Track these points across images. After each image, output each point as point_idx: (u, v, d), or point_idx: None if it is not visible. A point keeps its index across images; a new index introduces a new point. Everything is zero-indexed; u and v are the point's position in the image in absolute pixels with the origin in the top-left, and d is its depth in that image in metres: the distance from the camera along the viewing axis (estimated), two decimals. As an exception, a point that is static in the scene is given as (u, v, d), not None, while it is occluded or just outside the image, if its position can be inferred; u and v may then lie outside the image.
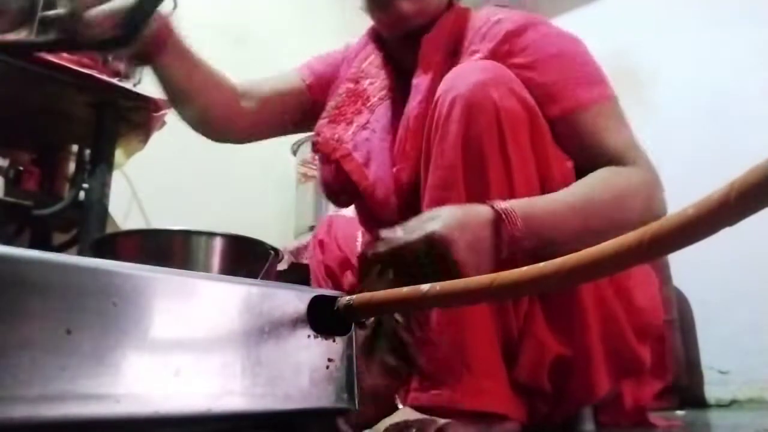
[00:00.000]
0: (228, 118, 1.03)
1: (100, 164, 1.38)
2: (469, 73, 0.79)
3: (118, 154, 1.50)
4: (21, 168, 1.42)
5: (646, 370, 0.87)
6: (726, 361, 2.16)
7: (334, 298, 0.53)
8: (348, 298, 0.52)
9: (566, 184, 0.79)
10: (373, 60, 1.05)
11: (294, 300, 0.50)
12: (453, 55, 0.92)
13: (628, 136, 0.85)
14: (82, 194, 1.38)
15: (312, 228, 2.03)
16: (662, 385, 0.96)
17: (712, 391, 2.17)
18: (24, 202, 1.31)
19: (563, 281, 0.40)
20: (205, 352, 0.43)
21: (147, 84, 1.53)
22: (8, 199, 1.29)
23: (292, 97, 1.08)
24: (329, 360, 0.50)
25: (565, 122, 0.83)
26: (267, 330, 0.47)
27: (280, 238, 2.05)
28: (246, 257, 0.89)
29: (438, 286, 0.46)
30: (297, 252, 1.73)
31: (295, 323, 0.49)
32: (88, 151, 1.48)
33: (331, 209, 1.86)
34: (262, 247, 0.90)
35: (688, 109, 2.39)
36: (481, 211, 0.68)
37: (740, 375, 2.11)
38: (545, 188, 0.78)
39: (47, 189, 1.47)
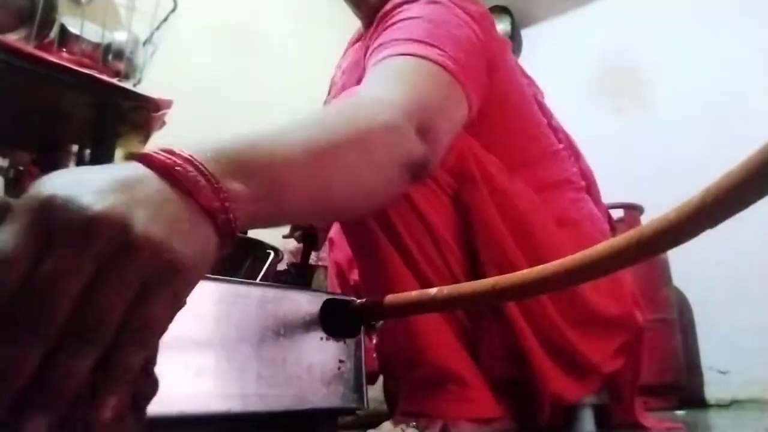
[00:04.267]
0: None
1: (100, 164, 1.38)
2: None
3: (118, 154, 1.50)
4: (21, 168, 1.42)
5: (599, 363, 0.86)
6: (726, 361, 2.16)
7: (345, 301, 0.54)
8: (359, 301, 0.53)
9: None
10: (344, 64, 1.07)
11: (307, 303, 0.51)
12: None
13: (397, 71, 0.69)
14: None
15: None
16: (635, 379, 0.95)
17: (712, 391, 2.18)
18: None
19: (563, 282, 0.40)
20: (224, 353, 0.44)
21: (147, 84, 1.53)
22: (8, 199, 1.28)
23: None
24: (340, 361, 0.52)
25: None
26: (282, 332, 0.48)
27: (280, 238, 2.04)
28: (246, 257, 0.89)
29: (446, 289, 0.47)
30: (297, 252, 1.73)
31: (308, 326, 0.51)
32: (88, 151, 1.48)
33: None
34: (261, 247, 0.90)
35: (688, 108, 2.39)
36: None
37: (740, 375, 2.12)
38: None
39: (47, 189, 1.47)
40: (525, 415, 0.83)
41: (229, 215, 0.35)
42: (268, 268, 0.89)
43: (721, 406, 2.12)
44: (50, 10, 1.36)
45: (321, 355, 0.50)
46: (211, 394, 0.42)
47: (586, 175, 0.99)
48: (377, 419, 0.77)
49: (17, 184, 1.40)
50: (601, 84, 2.59)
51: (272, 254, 0.90)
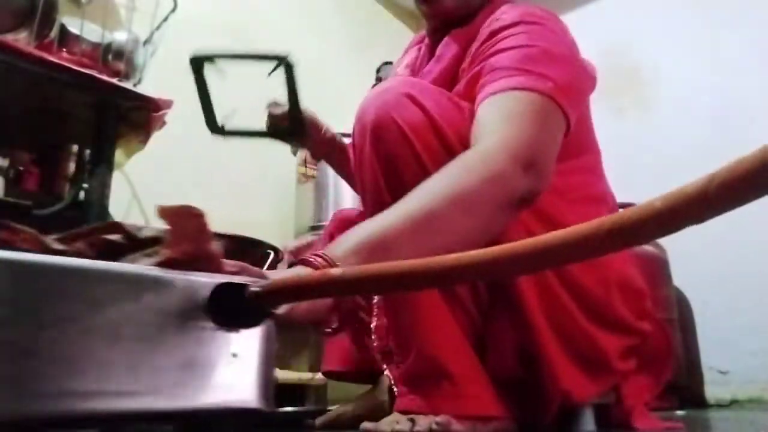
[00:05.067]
0: None
1: (100, 164, 1.38)
2: (374, 97, 0.81)
3: (118, 154, 1.50)
4: (21, 168, 1.42)
5: (612, 360, 0.86)
6: (726, 361, 2.16)
7: (241, 286, 0.47)
8: (257, 285, 0.47)
9: None
10: (405, 60, 1.08)
11: (194, 288, 0.44)
12: (466, 50, 0.93)
13: (506, 110, 0.76)
14: (82, 194, 1.38)
15: (312, 228, 2.04)
16: (657, 383, 0.95)
17: (712, 391, 2.17)
18: (24, 202, 1.31)
19: (502, 270, 0.37)
20: (96, 346, 0.39)
21: (147, 84, 1.53)
22: (8, 199, 1.29)
23: None
24: (233, 355, 0.45)
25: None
26: (164, 322, 0.42)
27: (280, 238, 2.05)
28: (245, 257, 0.89)
29: (353, 269, 0.43)
30: (297, 252, 1.73)
31: (193, 314, 0.44)
32: (88, 151, 1.48)
33: (332, 207, 1.87)
34: (261, 247, 0.90)
35: (689, 109, 2.39)
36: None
37: (740, 375, 2.11)
38: None
39: (47, 189, 1.48)
40: (528, 415, 0.83)
41: None
42: (268, 268, 0.90)
43: (721, 406, 2.12)
44: (50, 10, 1.37)
45: (209, 349, 0.44)
46: (80, 393, 0.38)
47: (612, 195, 1.01)
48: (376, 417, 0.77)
49: (17, 184, 1.40)
50: (602, 84, 2.58)
51: (272, 254, 0.90)
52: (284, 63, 0.98)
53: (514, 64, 0.80)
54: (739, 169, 0.28)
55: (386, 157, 0.78)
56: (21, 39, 1.32)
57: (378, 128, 0.78)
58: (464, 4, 0.96)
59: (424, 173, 0.75)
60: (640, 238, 0.32)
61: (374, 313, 0.89)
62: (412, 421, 0.72)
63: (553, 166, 0.77)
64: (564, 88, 0.79)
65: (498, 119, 0.75)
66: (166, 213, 0.46)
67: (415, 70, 1.05)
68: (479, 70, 0.84)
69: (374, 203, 0.79)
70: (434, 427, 0.71)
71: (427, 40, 1.07)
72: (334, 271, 0.43)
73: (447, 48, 0.95)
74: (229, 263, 0.51)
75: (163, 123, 1.52)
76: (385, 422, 0.73)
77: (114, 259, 0.47)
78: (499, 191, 0.69)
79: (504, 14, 0.90)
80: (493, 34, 0.87)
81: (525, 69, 0.79)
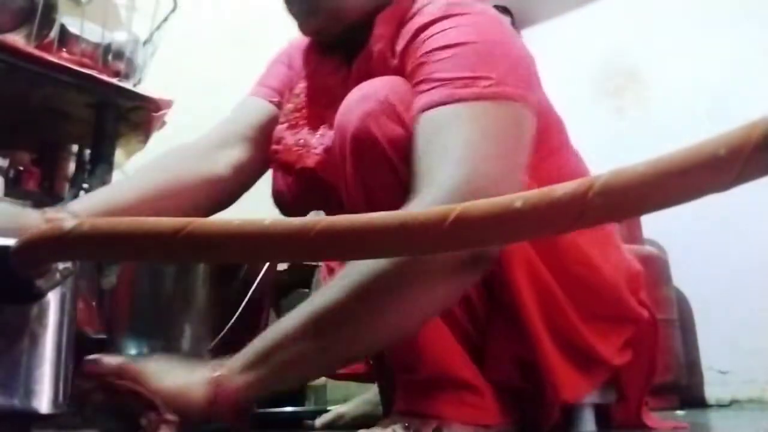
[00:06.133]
0: (219, 196, 0.95)
1: (100, 164, 1.38)
2: (356, 103, 0.75)
3: (118, 154, 1.50)
4: (21, 168, 1.42)
5: (601, 357, 0.84)
6: (726, 361, 2.16)
7: None
8: (11, 246, 0.35)
9: None
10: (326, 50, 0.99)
11: None
12: (394, 40, 0.84)
13: (444, 139, 0.68)
14: (82, 194, 1.38)
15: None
16: (649, 378, 0.94)
17: (712, 391, 2.17)
18: (24, 202, 1.31)
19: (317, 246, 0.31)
20: None
21: (147, 84, 1.53)
22: (8, 199, 1.29)
23: (273, 123, 0.97)
24: None
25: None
26: None
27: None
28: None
29: (87, 224, 0.35)
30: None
31: None
32: (88, 151, 1.48)
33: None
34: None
35: (688, 109, 2.39)
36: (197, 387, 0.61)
37: (740, 375, 2.12)
38: None
39: (47, 189, 1.48)
40: (528, 420, 0.82)
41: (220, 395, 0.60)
42: (267, 268, 0.90)
43: (721, 406, 2.12)
44: (50, 10, 1.36)
45: None
46: None
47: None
48: (373, 421, 0.77)
49: (17, 184, 1.40)
50: (602, 84, 2.58)
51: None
52: None
53: (448, 70, 0.73)
54: (625, 177, 0.25)
55: (365, 175, 0.75)
56: (21, 39, 1.32)
57: (359, 142, 0.74)
58: (336, 21, 0.90)
59: (405, 192, 0.69)
60: (487, 238, 0.27)
61: None
62: (408, 427, 0.71)
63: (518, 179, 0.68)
64: (508, 77, 0.72)
65: (438, 156, 0.67)
66: None
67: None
68: (417, 81, 0.76)
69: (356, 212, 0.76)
70: None
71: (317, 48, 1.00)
72: (67, 225, 0.37)
73: (379, 40, 0.85)
74: None
75: (163, 123, 1.52)
76: (380, 428, 0.73)
77: None
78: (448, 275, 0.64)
79: (427, 6, 0.82)
80: (419, 31, 0.80)
81: (457, 77, 0.72)
